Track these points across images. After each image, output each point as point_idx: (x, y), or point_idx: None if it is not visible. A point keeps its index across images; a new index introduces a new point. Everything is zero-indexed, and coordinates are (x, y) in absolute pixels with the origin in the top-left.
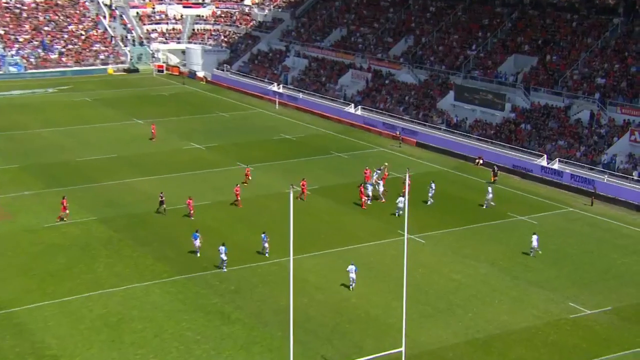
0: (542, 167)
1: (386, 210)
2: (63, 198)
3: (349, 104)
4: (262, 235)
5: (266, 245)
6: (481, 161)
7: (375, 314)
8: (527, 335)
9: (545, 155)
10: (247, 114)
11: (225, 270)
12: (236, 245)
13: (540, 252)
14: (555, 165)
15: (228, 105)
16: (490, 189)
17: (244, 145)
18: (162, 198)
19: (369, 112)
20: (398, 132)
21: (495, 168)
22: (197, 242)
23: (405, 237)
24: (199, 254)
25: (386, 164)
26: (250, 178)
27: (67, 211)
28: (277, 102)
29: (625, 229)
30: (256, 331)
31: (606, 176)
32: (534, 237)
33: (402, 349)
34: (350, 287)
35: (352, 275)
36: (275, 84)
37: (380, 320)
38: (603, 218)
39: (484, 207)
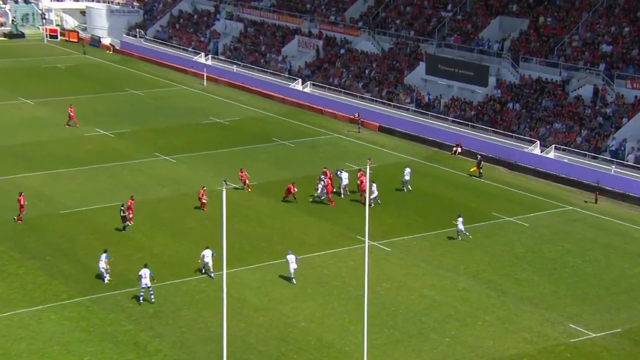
0: (535, 156)
1: (342, 212)
2: (20, 195)
3: (296, 80)
4: (205, 250)
5: (208, 262)
6: (460, 149)
7: (330, 341)
8: None
9: (539, 142)
10: (166, 92)
11: (152, 301)
12: (155, 258)
13: (469, 235)
14: (551, 154)
15: (142, 81)
16: (408, 169)
17: (163, 131)
18: (124, 212)
19: (321, 89)
20: (357, 114)
21: (479, 157)
22: (102, 264)
23: (366, 244)
24: (107, 280)
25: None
26: (248, 182)
27: (24, 211)
28: (204, 77)
29: (637, 231)
30: None
31: (613, 166)
32: (459, 220)
33: None
34: (291, 280)
35: (293, 265)
36: (203, 54)
37: (336, 348)
38: (610, 218)
39: (404, 191)
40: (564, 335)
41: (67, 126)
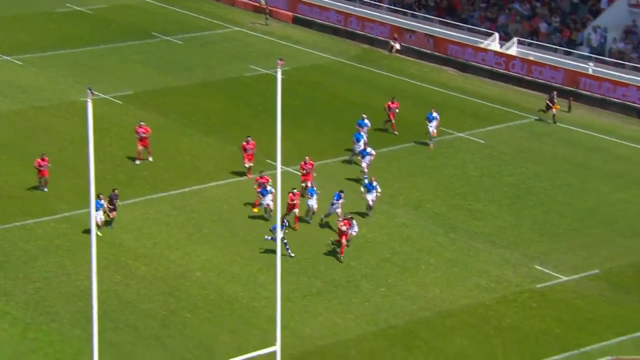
0: (492, 53)
1: (247, 128)
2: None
3: None
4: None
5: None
6: (398, 46)
7: (233, 294)
8: (470, 319)
9: (497, 34)
10: None
11: (291, 255)
12: None
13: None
14: (512, 50)
15: None
16: (435, 116)
17: (3, 22)
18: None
19: None
20: (263, 1)
21: (554, 95)
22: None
23: (278, 169)
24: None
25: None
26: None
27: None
28: None
29: (621, 146)
30: (35, 331)
31: (592, 64)
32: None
33: (276, 347)
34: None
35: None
36: None
37: (241, 303)
38: (586, 131)
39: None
40: (528, 280)
41: None
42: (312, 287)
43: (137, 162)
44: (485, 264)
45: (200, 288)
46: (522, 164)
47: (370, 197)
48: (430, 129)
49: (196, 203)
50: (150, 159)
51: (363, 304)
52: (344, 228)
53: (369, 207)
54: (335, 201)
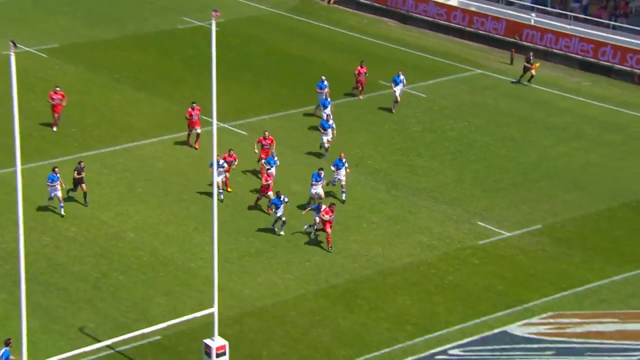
0: (433, 4)
1: (180, 83)
2: None
3: None
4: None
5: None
6: None
7: (168, 256)
8: (412, 276)
9: None
10: None
11: (281, 233)
12: None
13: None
14: (454, 0)
15: None
16: (401, 79)
17: None
18: (80, 172)
19: None
20: None
21: (531, 55)
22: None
23: (214, 125)
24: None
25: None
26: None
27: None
28: None
29: (563, 99)
30: None
31: (534, 14)
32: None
33: (214, 309)
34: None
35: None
36: None
37: (176, 264)
38: (529, 83)
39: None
40: (470, 236)
41: None
42: (250, 247)
43: (54, 128)
44: (428, 220)
45: (134, 249)
46: (464, 118)
47: (340, 175)
48: (396, 94)
49: (128, 161)
50: (55, 129)
51: (303, 264)
52: (326, 217)
53: (341, 186)
54: (314, 182)
